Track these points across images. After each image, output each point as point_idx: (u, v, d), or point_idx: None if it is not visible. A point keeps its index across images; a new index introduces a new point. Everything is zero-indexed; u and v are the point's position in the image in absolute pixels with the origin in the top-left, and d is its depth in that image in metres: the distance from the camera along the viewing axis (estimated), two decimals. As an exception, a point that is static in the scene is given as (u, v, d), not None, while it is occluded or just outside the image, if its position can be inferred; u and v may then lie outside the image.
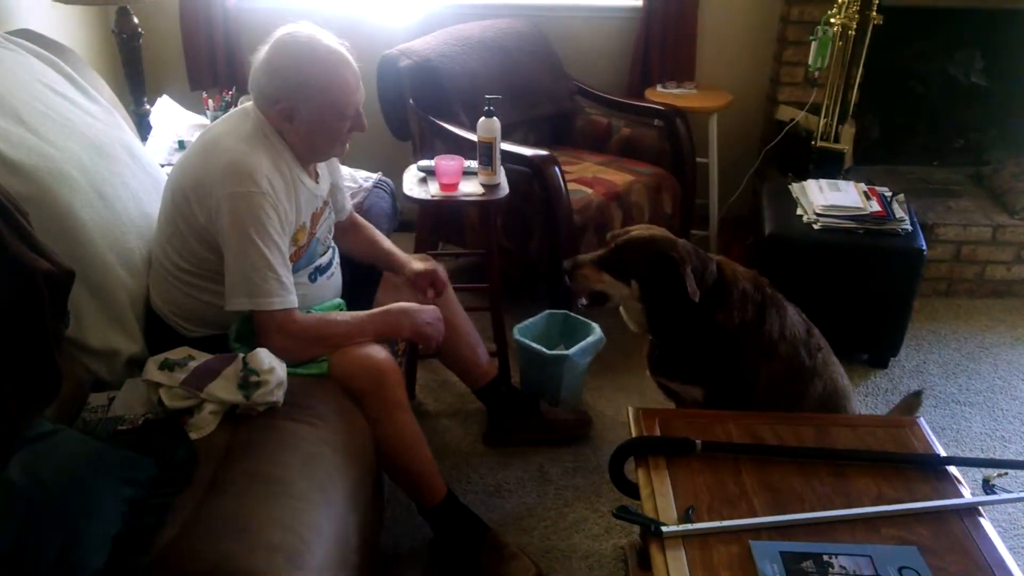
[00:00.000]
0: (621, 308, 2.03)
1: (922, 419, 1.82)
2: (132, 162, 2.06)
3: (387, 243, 2.26)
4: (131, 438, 1.60)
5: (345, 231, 2.22)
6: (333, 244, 2.10)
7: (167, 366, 1.68)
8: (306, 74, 1.77)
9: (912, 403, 2.34)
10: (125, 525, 1.38)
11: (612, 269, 1.95)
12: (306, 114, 1.80)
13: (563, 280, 2.01)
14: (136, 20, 2.93)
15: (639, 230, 1.99)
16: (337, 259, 2.11)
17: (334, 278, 2.08)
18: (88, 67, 2.31)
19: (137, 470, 1.47)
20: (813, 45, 3.17)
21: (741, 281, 1.96)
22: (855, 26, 3.11)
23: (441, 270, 2.20)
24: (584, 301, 2.03)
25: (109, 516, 1.36)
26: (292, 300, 1.79)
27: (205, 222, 1.77)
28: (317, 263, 2.00)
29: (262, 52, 1.81)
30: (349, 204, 2.24)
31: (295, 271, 1.88)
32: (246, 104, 1.90)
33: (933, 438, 1.76)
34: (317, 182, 1.95)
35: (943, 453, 1.71)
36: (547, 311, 2.70)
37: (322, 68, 1.78)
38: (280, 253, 1.77)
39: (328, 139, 1.87)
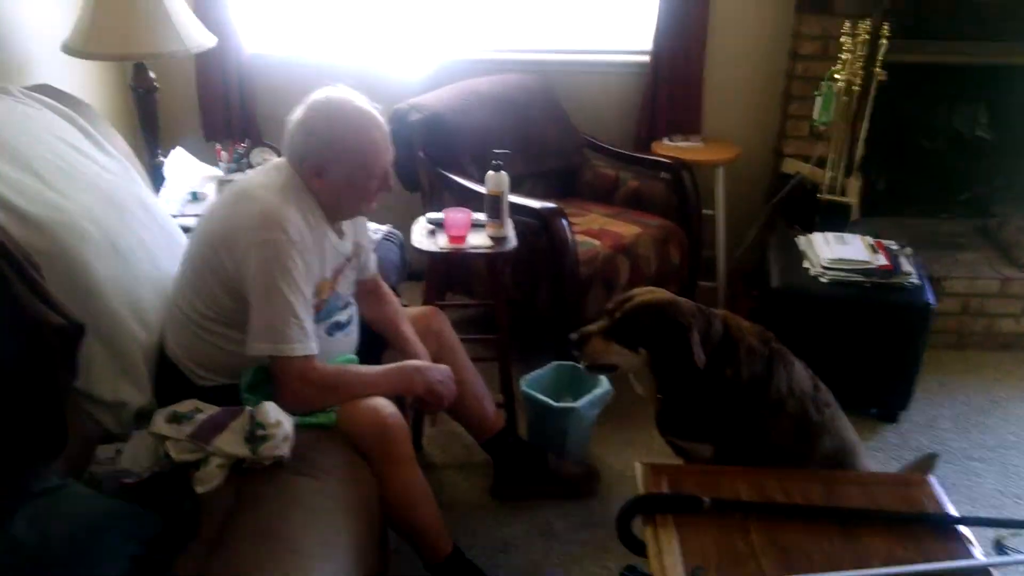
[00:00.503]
0: (631, 376, 2.02)
1: (933, 478, 1.80)
2: (146, 215, 2.09)
3: (406, 329, 2.21)
4: (137, 492, 1.60)
5: (367, 295, 2.22)
6: (353, 301, 2.13)
7: (175, 419, 1.69)
8: (338, 133, 1.84)
9: (926, 465, 2.32)
10: (129, 581, 1.38)
11: (620, 338, 1.94)
12: (336, 171, 1.86)
13: (571, 347, 2.00)
14: (152, 75, 2.99)
15: (642, 295, 1.97)
16: (356, 317, 2.13)
17: (351, 336, 2.10)
18: (103, 121, 2.35)
19: (142, 526, 1.47)
20: (818, 100, 3.21)
21: (748, 337, 1.96)
22: (860, 82, 3.15)
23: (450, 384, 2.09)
24: (592, 370, 2.03)
25: (113, 573, 1.36)
26: (313, 347, 1.81)
27: (232, 270, 1.80)
28: (336, 319, 2.03)
29: (298, 112, 1.88)
30: (374, 265, 2.24)
31: (316, 322, 1.90)
32: (278, 160, 1.95)
33: (944, 497, 1.74)
34: (342, 239, 1.99)
35: (954, 512, 1.69)
36: (554, 362, 2.70)
37: (353, 128, 1.85)
38: (305, 301, 1.81)
39: (356, 197, 1.93)
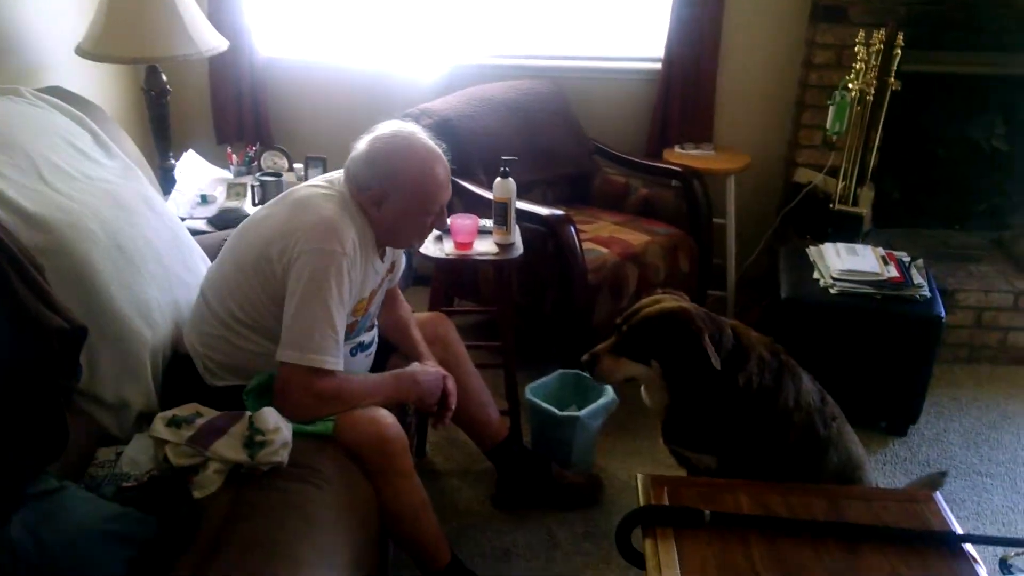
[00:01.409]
0: (642, 388, 2.01)
1: (939, 494, 1.78)
2: (153, 216, 2.09)
3: (415, 334, 2.23)
4: (135, 495, 1.60)
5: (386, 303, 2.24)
6: (376, 322, 2.14)
7: (174, 423, 1.69)
8: (401, 165, 1.87)
9: (934, 482, 2.29)
10: (124, 586, 1.37)
11: (630, 353, 1.92)
12: (395, 203, 1.89)
13: (583, 368, 1.98)
14: (165, 78, 3.00)
15: (649, 306, 1.95)
16: (377, 338, 2.14)
17: (371, 357, 2.12)
18: (112, 123, 2.36)
19: (139, 530, 1.47)
20: (831, 109, 3.18)
21: (758, 347, 1.94)
22: (873, 91, 3.12)
23: (451, 384, 2.10)
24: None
25: (108, 577, 1.36)
26: (340, 364, 1.82)
27: (281, 274, 1.81)
28: (361, 339, 2.04)
29: (363, 141, 1.91)
30: (399, 276, 2.26)
31: (345, 342, 1.91)
32: (333, 177, 1.97)
33: (950, 514, 1.71)
34: (383, 260, 2.02)
35: (959, 530, 1.66)
36: (559, 371, 2.69)
37: (418, 163, 1.89)
38: (343, 317, 1.82)
39: (410, 230, 1.98)
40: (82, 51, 2.75)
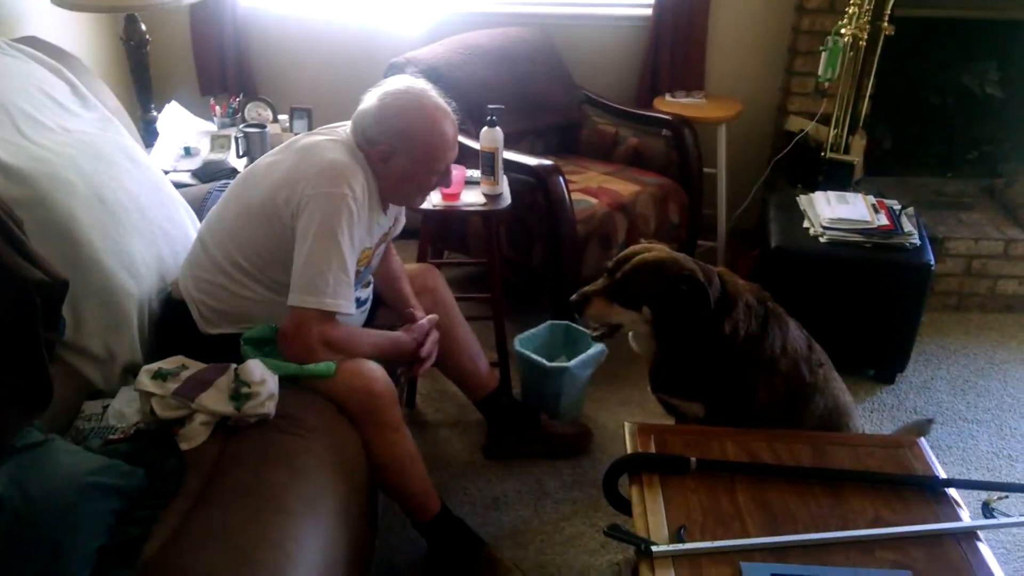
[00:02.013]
0: (630, 334, 2.00)
1: (923, 440, 1.79)
2: (133, 167, 2.06)
3: (405, 287, 2.24)
4: (122, 447, 1.60)
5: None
6: (372, 279, 2.15)
7: (160, 376, 1.68)
8: (411, 122, 1.86)
9: (922, 428, 2.31)
10: (111, 537, 1.38)
11: (621, 299, 1.91)
12: (402, 160, 1.89)
13: (572, 308, 1.98)
14: (144, 27, 2.94)
15: (641, 254, 1.93)
16: (372, 294, 2.15)
17: (366, 313, 2.11)
18: (91, 74, 2.32)
19: (125, 480, 1.47)
20: (823, 55, 3.14)
21: (744, 294, 1.94)
22: (866, 37, 3.08)
23: (432, 340, 2.10)
24: (596, 332, 2.01)
25: (94, 529, 1.36)
26: (352, 307, 1.84)
27: (289, 218, 1.81)
28: (359, 294, 2.03)
29: (373, 96, 1.90)
30: (398, 231, 2.24)
31: None
32: (339, 129, 1.95)
33: (933, 459, 1.73)
34: (386, 214, 2.01)
35: (943, 475, 1.68)
36: (549, 322, 2.69)
37: (428, 122, 1.88)
38: (354, 261, 1.83)
39: (414, 187, 1.98)
40: (59, 0, 2.69)
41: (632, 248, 1.99)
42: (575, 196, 2.84)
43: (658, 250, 1.95)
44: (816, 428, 1.95)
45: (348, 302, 1.82)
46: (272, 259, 1.85)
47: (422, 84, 1.93)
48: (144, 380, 1.68)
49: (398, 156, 1.87)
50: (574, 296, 1.97)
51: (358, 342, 1.90)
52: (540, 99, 3.30)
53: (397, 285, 2.22)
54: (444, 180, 2.01)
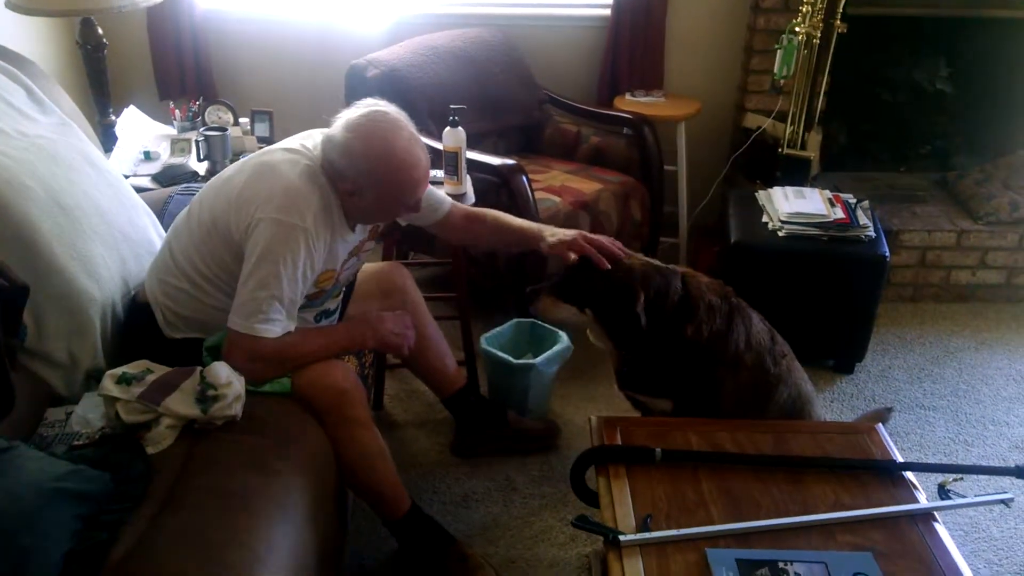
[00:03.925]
0: (587, 329, 2.03)
1: (880, 426, 1.84)
2: (92, 171, 2.04)
3: (515, 221, 2.16)
4: (87, 453, 1.59)
5: (455, 227, 2.19)
6: (343, 288, 2.12)
7: (124, 380, 1.67)
8: (377, 164, 1.78)
9: (881, 416, 2.37)
10: (77, 542, 1.37)
11: (567, 297, 1.95)
12: (368, 196, 1.82)
13: (526, 299, 2.02)
14: (100, 31, 2.91)
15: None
16: (340, 302, 2.13)
17: (334, 321, 2.10)
18: (47, 78, 2.29)
19: (91, 486, 1.46)
20: (779, 54, 3.19)
21: (707, 294, 1.96)
22: (819, 35, 3.14)
23: (583, 236, 1.97)
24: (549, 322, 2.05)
25: (60, 534, 1.35)
26: (280, 332, 1.78)
27: (239, 237, 1.78)
28: (327, 306, 2.03)
29: (338, 128, 1.80)
30: (445, 201, 2.17)
31: (308, 308, 1.90)
32: (307, 143, 1.88)
33: (891, 444, 1.78)
34: (354, 231, 1.95)
35: (900, 459, 1.73)
36: (515, 320, 2.71)
37: (395, 162, 1.79)
38: (297, 290, 1.78)
39: (381, 217, 1.97)
40: (12, 4, 2.65)
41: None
42: (538, 195, 2.86)
43: (635, 259, 1.96)
44: (780, 417, 1.99)
45: (282, 328, 1.76)
46: (234, 270, 1.82)
47: (392, 117, 1.82)
48: (108, 385, 1.66)
49: (365, 193, 1.81)
50: (529, 288, 2.01)
51: (295, 346, 1.82)
52: (502, 99, 3.32)
53: (509, 228, 2.14)
54: (414, 208, 1.93)
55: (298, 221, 1.74)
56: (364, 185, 1.80)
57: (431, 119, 3.02)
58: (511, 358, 2.50)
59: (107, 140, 2.93)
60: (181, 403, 1.63)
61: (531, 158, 3.32)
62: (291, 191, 1.76)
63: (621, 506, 1.58)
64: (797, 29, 3.13)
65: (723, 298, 1.98)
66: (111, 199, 2.05)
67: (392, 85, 3.03)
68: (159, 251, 1.99)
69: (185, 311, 1.89)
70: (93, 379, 1.81)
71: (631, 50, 3.51)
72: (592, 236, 1.98)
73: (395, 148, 1.79)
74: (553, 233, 2.05)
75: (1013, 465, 1.74)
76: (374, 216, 1.94)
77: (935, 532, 1.54)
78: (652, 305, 1.88)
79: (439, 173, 2.48)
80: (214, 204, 1.85)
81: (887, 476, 1.67)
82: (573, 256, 1.95)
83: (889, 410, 2.52)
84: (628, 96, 3.49)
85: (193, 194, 2.06)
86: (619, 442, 1.76)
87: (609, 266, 1.91)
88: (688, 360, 1.94)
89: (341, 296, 2.13)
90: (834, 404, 2.75)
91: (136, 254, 2.03)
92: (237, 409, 1.66)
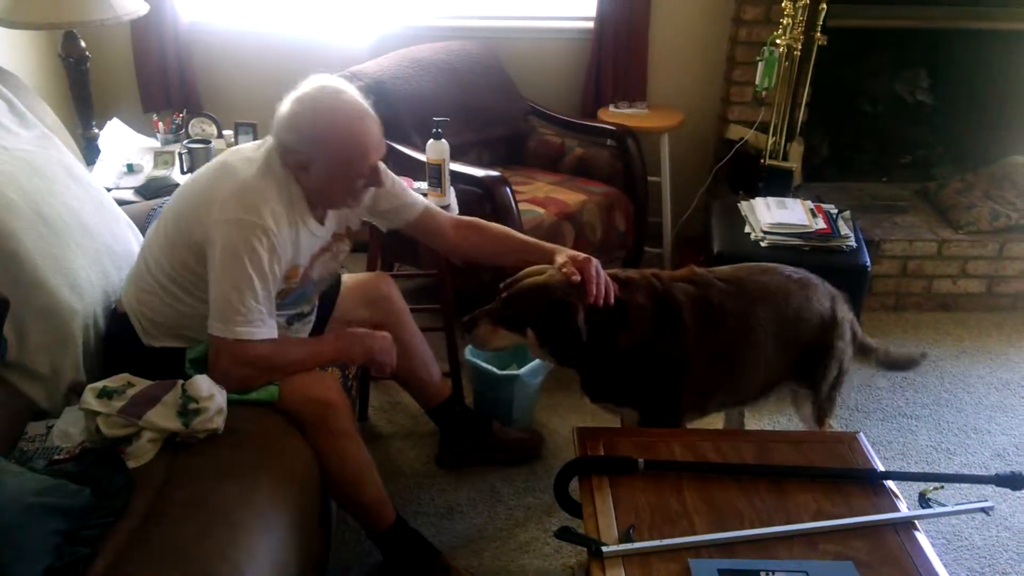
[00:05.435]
0: (529, 348, 1.99)
1: (862, 435, 1.85)
2: (74, 184, 2.04)
3: (519, 236, 2.14)
4: (68, 467, 1.58)
5: (442, 234, 2.17)
6: (316, 292, 2.08)
7: (105, 394, 1.66)
8: (324, 131, 1.77)
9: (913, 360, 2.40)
10: (58, 557, 1.36)
11: (506, 323, 1.91)
12: (321, 167, 1.80)
13: (463, 329, 1.97)
14: (83, 44, 2.91)
15: (530, 277, 1.93)
16: (316, 307, 2.10)
17: (309, 326, 2.08)
18: (29, 91, 2.28)
19: (71, 500, 1.45)
20: (760, 66, 3.23)
21: (638, 295, 1.91)
22: (800, 47, 3.17)
23: (595, 262, 1.93)
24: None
25: (41, 549, 1.34)
26: (269, 333, 1.78)
27: (200, 240, 1.77)
28: (300, 309, 2.01)
29: (286, 103, 1.80)
30: (419, 201, 2.14)
31: (279, 309, 1.88)
32: (259, 143, 1.89)
33: (872, 453, 1.79)
34: (323, 224, 1.93)
35: (881, 468, 1.74)
36: (500, 331, 2.70)
37: (341, 126, 1.78)
38: (267, 286, 1.77)
39: (342, 192, 1.88)
40: (-6, 17, 2.65)
41: (527, 269, 1.97)
42: (523, 206, 2.87)
43: (547, 275, 1.92)
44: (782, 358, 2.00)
45: (263, 329, 1.76)
46: (199, 272, 1.81)
47: (337, 84, 1.83)
48: (89, 399, 1.66)
49: (316, 164, 1.79)
50: (465, 317, 1.96)
51: (285, 354, 1.83)
52: (486, 111, 3.33)
53: (513, 241, 2.12)
54: (374, 181, 1.89)
55: (255, 218, 1.73)
56: (314, 155, 1.78)
57: (415, 131, 3.02)
58: (496, 369, 2.51)
59: (90, 153, 2.92)
60: (163, 416, 1.62)
61: (515, 169, 3.33)
62: (246, 189, 1.76)
63: (604, 517, 1.58)
64: (778, 41, 3.17)
65: (653, 295, 1.92)
66: (93, 212, 2.04)
67: (376, 97, 3.00)
68: (136, 261, 1.98)
69: (159, 317, 1.88)
70: (75, 393, 1.80)
71: (614, 62, 3.53)
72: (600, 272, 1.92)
73: (339, 110, 1.78)
74: (558, 258, 1.98)
75: (994, 474, 1.75)
76: (333, 194, 1.87)
77: (915, 541, 1.55)
78: (588, 318, 1.85)
79: (423, 185, 2.49)
80: (178, 208, 1.86)
81: (869, 485, 1.68)
82: (576, 277, 1.89)
83: (923, 355, 2.43)
84: (611, 108, 3.51)
85: (176, 207, 2.06)
86: (602, 453, 1.76)
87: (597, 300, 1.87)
88: (630, 368, 1.92)
89: (315, 299, 2.09)
90: (817, 413, 2.76)
91: (118, 267, 2.03)
92: (219, 422, 1.65)
